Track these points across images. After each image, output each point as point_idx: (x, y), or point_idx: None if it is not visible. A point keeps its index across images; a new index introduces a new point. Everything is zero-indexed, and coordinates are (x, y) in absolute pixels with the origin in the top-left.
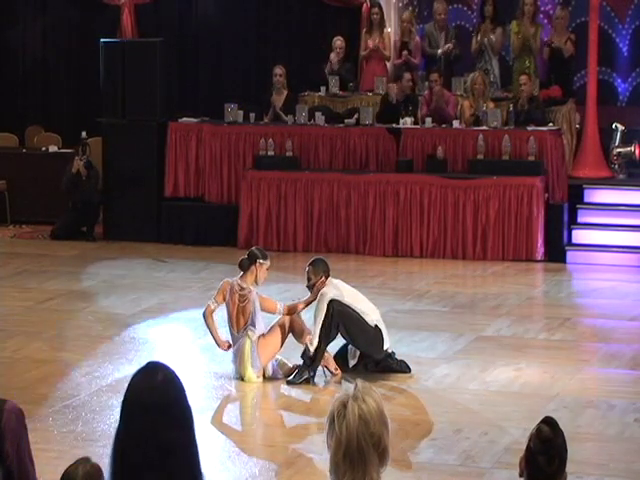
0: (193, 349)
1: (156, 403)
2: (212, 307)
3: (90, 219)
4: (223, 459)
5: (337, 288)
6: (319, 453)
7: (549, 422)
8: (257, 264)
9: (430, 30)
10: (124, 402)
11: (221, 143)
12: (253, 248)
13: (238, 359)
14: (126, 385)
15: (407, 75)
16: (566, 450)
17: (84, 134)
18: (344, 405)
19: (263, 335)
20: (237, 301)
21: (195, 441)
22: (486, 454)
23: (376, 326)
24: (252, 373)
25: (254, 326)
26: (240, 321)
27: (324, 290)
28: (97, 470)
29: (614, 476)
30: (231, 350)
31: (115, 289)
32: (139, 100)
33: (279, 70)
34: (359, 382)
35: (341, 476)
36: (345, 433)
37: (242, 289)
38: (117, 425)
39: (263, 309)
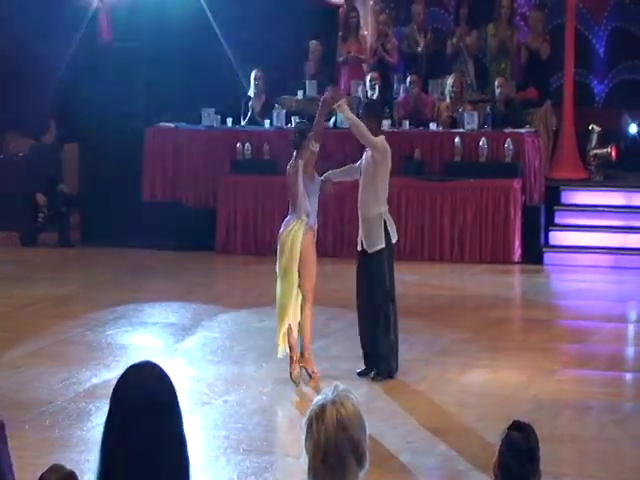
0: (171, 354)
1: (145, 400)
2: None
3: (61, 225)
4: (201, 463)
5: None
6: (297, 457)
7: (518, 427)
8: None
9: (409, 32)
10: (113, 399)
11: (198, 147)
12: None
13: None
14: (111, 388)
15: (372, 74)
16: (538, 449)
17: None
18: (322, 409)
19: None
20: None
21: (184, 439)
22: (463, 456)
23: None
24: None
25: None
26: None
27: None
28: (71, 476)
29: (590, 477)
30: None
31: (92, 294)
32: (117, 105)
33: (256, 74)
34: (337, 386)
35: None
36: (323, 437)
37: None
38: (105, 422)
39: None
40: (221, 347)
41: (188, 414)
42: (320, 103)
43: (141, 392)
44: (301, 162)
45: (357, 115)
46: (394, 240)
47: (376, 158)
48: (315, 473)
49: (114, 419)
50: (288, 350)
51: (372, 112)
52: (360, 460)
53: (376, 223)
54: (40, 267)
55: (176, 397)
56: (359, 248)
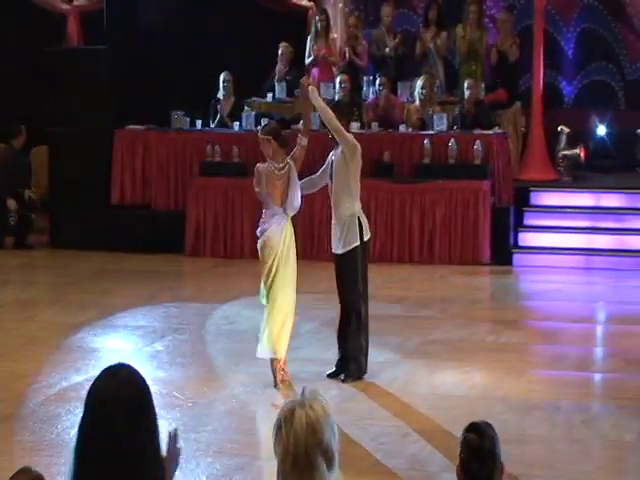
0: (140, 357)
1: (119, 401)
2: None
3: (18, 227)
4: None
5: None
6: (268, 459)
7: (474, 429)
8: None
9: (378, 34)
10: (87, 399)
11: (167, 150)
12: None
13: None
14: (81, 391)
15: (342, 77)
16: (495, 446)
17: None
18: (291, 412)
19: None
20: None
21: (158, 439)
22: (434, 457)
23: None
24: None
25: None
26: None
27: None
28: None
29: (560, 477)
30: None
31: (61, 297)
32: (85, 108)
33: (226, 77)
34: (306, 389)
35: None
36: (293, 440)
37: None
38: (79, 423)
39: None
40: (191, 350)
41: (158, 417)
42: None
43: (116, 394)
44: (292, 159)
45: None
46: (367, 238)
47: (347, 155)
48: (284, 476)
49: (88, 420)
50: (273, 355)
51: (342, 112)
52: (330, 463)
53: (351, 222)
54: (7, 270)
55: (151, 399)
56: (335, 250)
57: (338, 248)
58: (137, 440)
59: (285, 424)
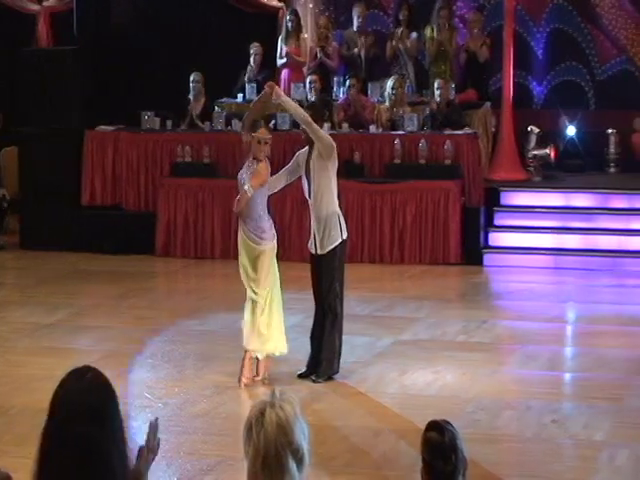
0: (110, 358)
1: (84, 403)
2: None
3: None
4: None
5: None
6: (239, 460)
7: (433, 427)
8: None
9: (349, 35)
10: (52, 402)
11: (138, 151)
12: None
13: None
14: (50, 392)
15: (312, 77)
16: (457, 441)
17: None
18: (261, 413)
19: None
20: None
21: (124, 443)
22: (405, 457)
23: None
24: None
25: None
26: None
27: None
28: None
29: (531, 476)
30: None
31: (31, 298)
32: (55, 109)
33: (196, 77)
34: (276, 389)
35: None
36: (263, 441)
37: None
38: (44, 426)
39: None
40: (161, 350)
41: (128, 418)
42: (257, 98)
43: (81, 397)
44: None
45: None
46: (346, 237)
47: (324, 154)
48: (255, 476)
49: (53, 423)
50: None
51: (317, 113)
52: (300, 463)
53: (332, 221)
54: None
55: (116, 402)
56: (312, 250)
57: (318, 249)
58: (102, 443)
59: (255, 424)
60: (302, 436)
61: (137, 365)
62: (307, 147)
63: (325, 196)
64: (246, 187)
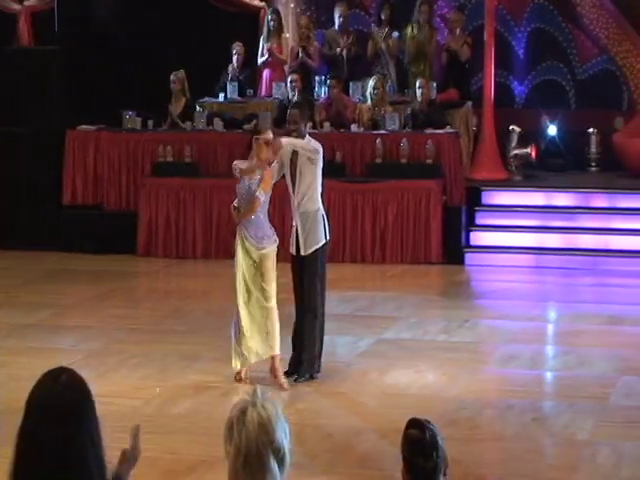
0: (92, 358)
1: (59, 405)
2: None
3: None
4: None
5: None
6: (220, 459)
7: (413, 424)
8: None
9: (331, 34)
10: (27, 403)
11: (119, 150)
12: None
13: None
14: (28, 392)
15: (293, 76)
16: (437, 438)
17: None
18: (243, 412)
19: None
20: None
21: (100, 445)
22: (386, 457)
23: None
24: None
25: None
26: None
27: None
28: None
29: (512, 475)
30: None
31: (11, 298)
32: (36, 108)
33: (176, 76)
34: (258, 388)
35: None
36: (244, 440)
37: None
38: (19, 426)
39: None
40: (142, 350)
41: (109, 418)
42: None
43: (56, 399)
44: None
45: (287, 115)
46: (328, 238)
47: (312, 158)
48: (236, 476)
49: (28, 424)
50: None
51: (305, 113)
52: (281, 463)
53: (317, 221)
54: None
55: (92, 404)
56: (293, 251)
57: (301, 249)
58: (77, 445)
59: (237, 423)
60: (283, 435)
61: (119, 365)
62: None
63: (310, 195)
64: (258, 193)
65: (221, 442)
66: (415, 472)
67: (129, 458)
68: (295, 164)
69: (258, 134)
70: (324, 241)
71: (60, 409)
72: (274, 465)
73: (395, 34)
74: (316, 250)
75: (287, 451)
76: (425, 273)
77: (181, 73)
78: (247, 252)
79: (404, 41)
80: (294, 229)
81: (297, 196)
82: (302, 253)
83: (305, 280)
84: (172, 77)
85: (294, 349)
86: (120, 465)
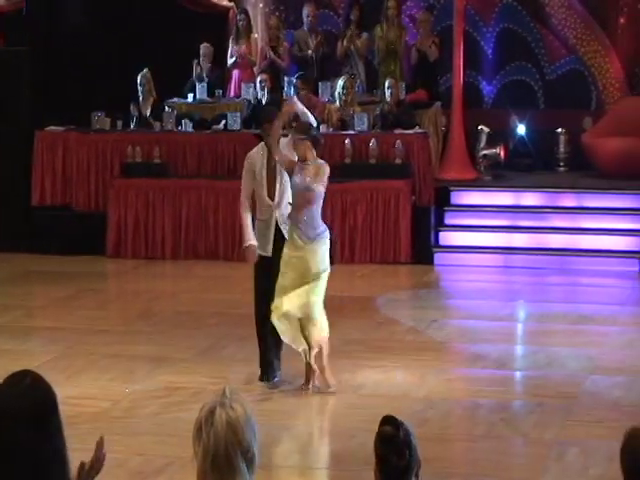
0: (61, 360)
1: (22, 409)
2: None
3: None
4: None
5: None
6: (189, 460)
7: (388, 421)
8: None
9: (300, 35)
10: None
11: (88, 151)
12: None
13: None
14: None
15: (262, 76)
16: (411, 437)
17: None
18: (211, 412)
19: None
20: None
21: (64, 450)
22: (355, 457)
23: None
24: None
25: None
26: None
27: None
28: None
29: (481, 475)
30: None
31: None
32: (5, 109)
33: (146, 76)
34: (227, 388)
35: None
36: (212, 441)
37: None
38: None
39: None
40: (111, 351)
41: (70, 423)
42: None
43: (18, 403)
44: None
45: (254, 119)
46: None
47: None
48: (204, 476)
49: None
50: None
51: (269, 114)
52: (250, 463)
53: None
54: None
55: (56, 408)
56: (269, 253)
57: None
58: (40, 451)
59: (205, 424)
60: (252, 436)
61: (87, 366)
62: (260, 148)
63: (288, 196)
64: (314, 185)
65: (190, 443)
66: (387, 470)
67: (89, 470)
68: (271, 164)
69: (278, 118)
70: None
71: (23, 414)
72: (243, 465)
73: (364, 34)
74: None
75: (256, 452)
76: (394, 273)
77: (148, 73)
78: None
79: (373, 41)
80: (270, 230)
81: (279, 198)
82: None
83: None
84: (143, 76)
85: (267, 352)
86: (79, 477)
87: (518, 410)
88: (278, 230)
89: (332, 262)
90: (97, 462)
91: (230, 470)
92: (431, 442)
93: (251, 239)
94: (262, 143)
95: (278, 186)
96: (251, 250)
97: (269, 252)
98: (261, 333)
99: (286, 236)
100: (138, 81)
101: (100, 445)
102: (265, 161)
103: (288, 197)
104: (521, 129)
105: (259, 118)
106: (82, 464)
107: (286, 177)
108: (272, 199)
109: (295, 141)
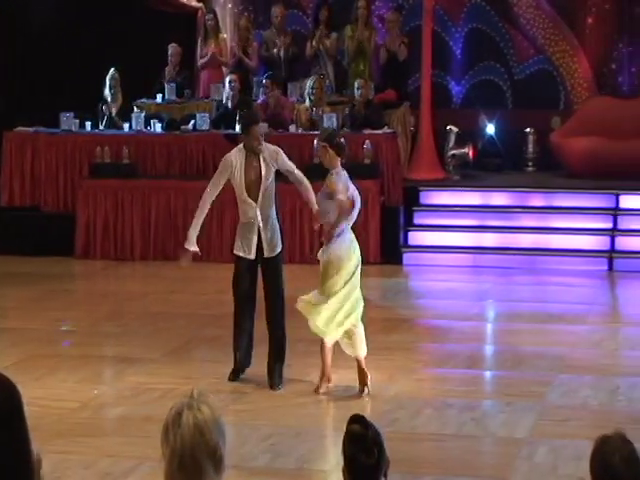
0: (29, 361)
1: None
2: None
3: None
4: (59, 472)
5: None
6: (158, 462)
7: (356, 420)
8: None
9: (269, 35)
10: None
11: (57, 152)
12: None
13: None
14: None
15: (232, 77)
16: (380, 436)
17: None
18: (179, 414)
19: None
20: None
21: (29, 454)
22: (325, 457)
23: None
24: None
25: None
26: None
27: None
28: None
29: (451, 474)
30: None
31: None
32: None
33: (114, 77)
34: (195, 390)
35: None
36: (180, 443)
37: None
38: None
39: None
40: (79, 353)
41: (37, 425)
42: None
43: None
44: None
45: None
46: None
47: (270, 161)
48: (172, 478)
49: None
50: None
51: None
52: (218, 465)
53: (277, 224)
54: None
55: (21, 411)
56: (251, 256)
57: (266, 251)
58: (5, 451)
59: (172, 426)
60: (220, 437)
61: (56, 367)
62: (239, 150)
63: (275, 201)
64: (341, 196)
65: (159, 444)
66: (356, 469)
67: None
68: (252, 166)
69: (257, 124)
70: (282, 244)
71: None
72: (210, 467)
73: (333, 34)
74: (280, 251)
75: (224, 453)
76: (363, 273)
77: (116, 74)
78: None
79: (342, 41)
80: (254, 234)
81: (263, 201)
82: (268, 255)
83: (280, 280)
84: (111, 77)
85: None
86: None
87: (487, 409)
88: (259, 231)
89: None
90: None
91: (197, 472)
92: (400, 442)
93: (193, 244)
94: (241, 145)
95: (262, 188)
96: (188, 256)
97: (252, 255)
98: (237, 335)
99: (265, 241)
100: (107, 81)
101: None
102: (244, 162)
103: (273, 199)
104: (491, 129)
105: (243, 121)
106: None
107: (271, 179)
108: (255, 201)
109: (320, 149)
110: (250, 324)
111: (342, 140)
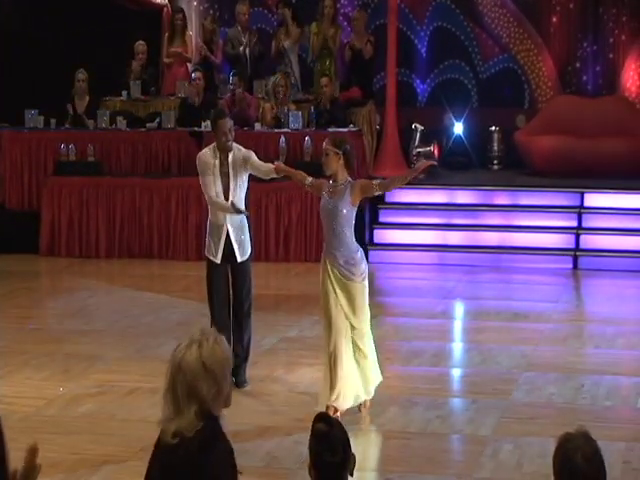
0: None
1: None
2: None
3: None
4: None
5: None
6: (125, 459)
7: (321, 418)
8: None
9: (233, 33)
10: None
11: (21, 149)
12: None
13: None
14: None
15: (196, 74)
16: (345, 434)
17: None
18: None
19: None
20: None
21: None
22: (291, 455)
23: None
24: None
25: None
26: None
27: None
28: None
29: (417, 472)
30: None
31: None
32: None
33: (81, 75)
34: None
35: (164, 404)
36: (170, 370)
37: None
38: None
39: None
40: (44, 351)
41: (10, 421)
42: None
43: None
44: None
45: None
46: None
47: (241, 171)
48: (164, 394)
49: None
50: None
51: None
52: (201, 409)
53: (246, 227)
54: None
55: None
56: (217, 260)
57: (238, 256)
58: None
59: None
60: (202, 383)
61: (21, 365)
62: (212, 147)
63: (243, 203)
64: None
65: (125, 442)
66: (321, 467)
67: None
68: (224, 167)
69: (222, 118)
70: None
71: None
72: (193, 406)
73: (298, 32)
74: (249, 256)
75: (207, 396)
76: None
77: (83, 72)
78: (337, 281)
79: (307, 37)
80: (223, 237)
81: (230, 196)
82: (241, 259)
83: (246, 283)
84: (79, 75)
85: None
86: None
87: (453, 407)
88: (228, 236)
89: None
90: (33, 471)
91: (176, 402)
92: (366, 439)
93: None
94: (213, 145)
95: (232, 186)
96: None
97: (218, 259)
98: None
99: (235, 245)
100: (74, 79)
101: (33, 453)
102: (217, 161)
103: (242, 198)
104: (455, 127)
105: (210, 117)
106: (15, 472)
107: (244, 177)
108: (226, 199)
109: (331, 155)
110: (229, 322)
111: (354, 153)
